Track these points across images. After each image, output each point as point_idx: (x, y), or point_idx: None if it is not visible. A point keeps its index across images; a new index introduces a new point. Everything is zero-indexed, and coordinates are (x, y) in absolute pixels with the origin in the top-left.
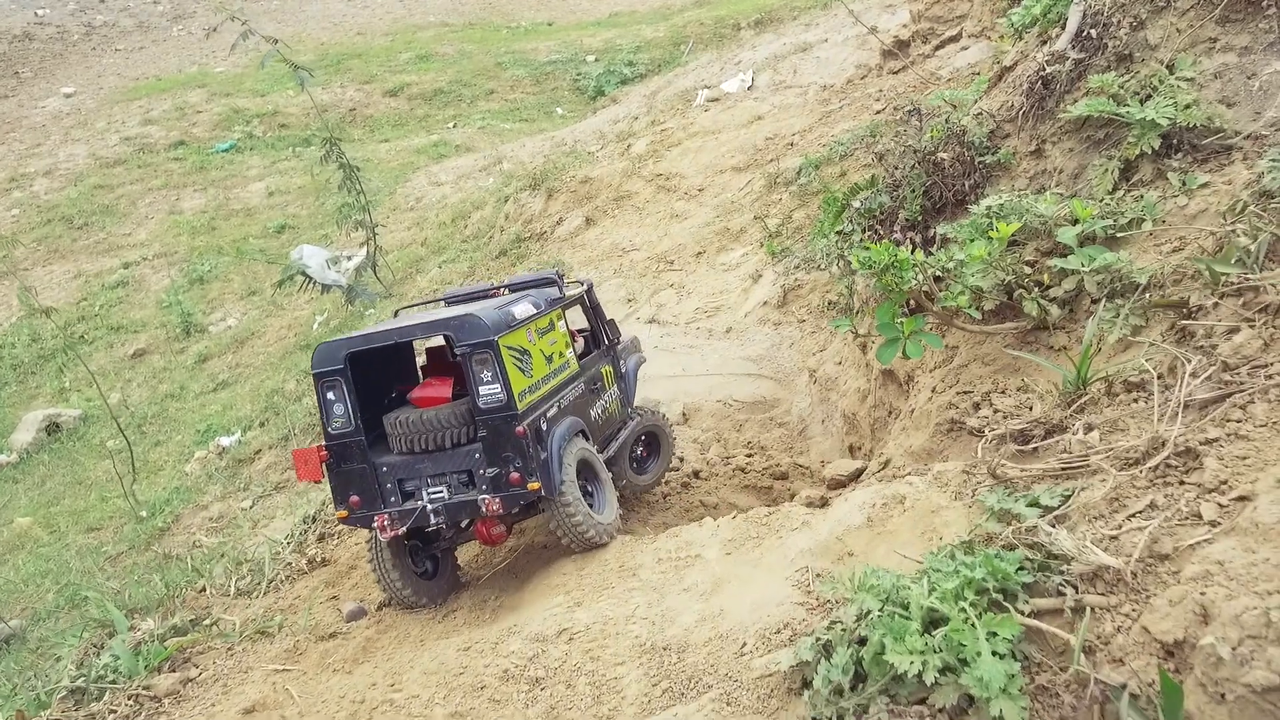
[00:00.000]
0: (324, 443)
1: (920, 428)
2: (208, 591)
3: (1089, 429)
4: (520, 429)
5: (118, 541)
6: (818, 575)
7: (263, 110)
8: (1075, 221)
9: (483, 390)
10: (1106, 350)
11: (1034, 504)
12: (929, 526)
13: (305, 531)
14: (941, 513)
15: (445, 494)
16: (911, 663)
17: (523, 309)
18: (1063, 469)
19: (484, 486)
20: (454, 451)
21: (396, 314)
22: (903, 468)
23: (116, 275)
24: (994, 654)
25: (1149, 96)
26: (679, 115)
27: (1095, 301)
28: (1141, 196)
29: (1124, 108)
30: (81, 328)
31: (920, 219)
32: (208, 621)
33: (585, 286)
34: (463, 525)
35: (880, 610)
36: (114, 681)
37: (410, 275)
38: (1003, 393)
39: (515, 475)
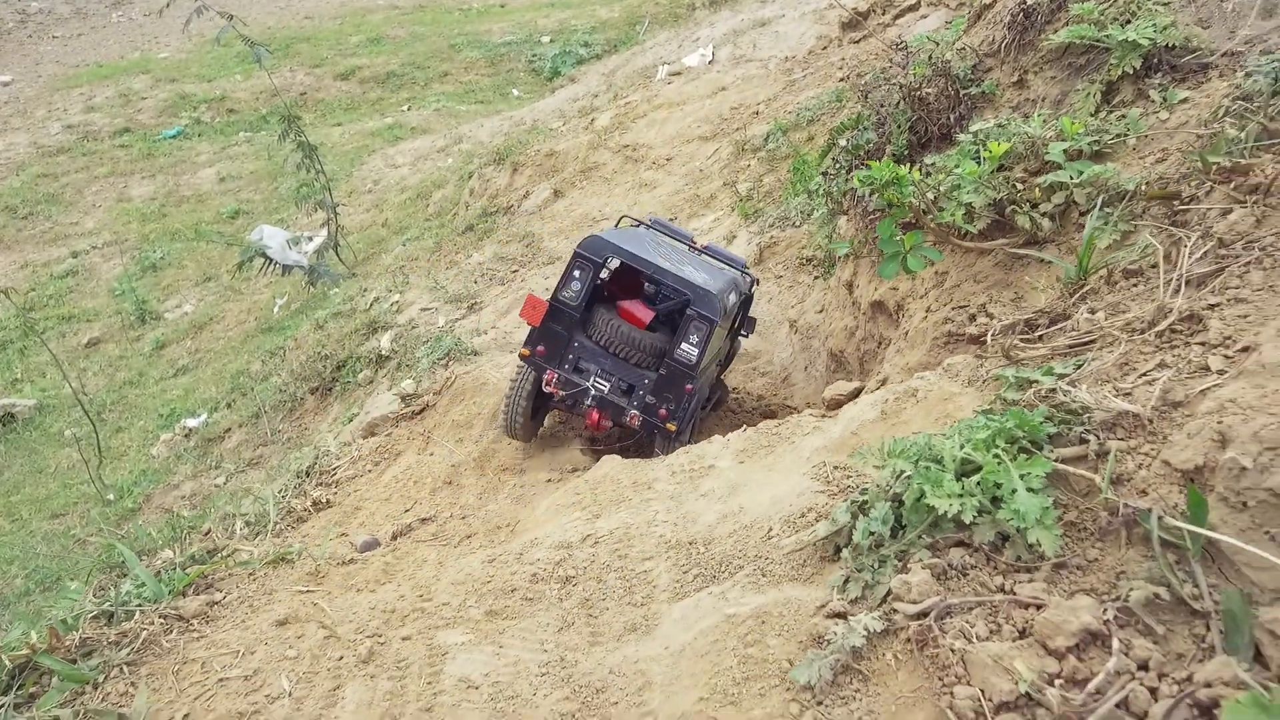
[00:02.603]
0: (551, 300)
1: (916, 346)
2: (213, 534)
3: (1093, 311)
4: (690, 388)
5: (85, 525)
6: (835, 467)
7: (210, 95)
8: (1063, 138)
9: (684, 347)
10: (1099, 255)
11: (1049, 373)
12: (943, 413)
13: (301, 484)
14: (955, 399)
15: (605, 389)
16: (950, 504)
17: (732, 300)
18: (1071, 346)
19: (637, 404)
20: (633, 368)
21: (619, 223)
22: (902, 382)
23: (65, 264)
24: (1029, 490)
25: (1128, 21)
26: (642, 89)
27: (1084, 213)
28: (1124, 115)
29: (1105, 32)
30: (32, 317)
31: (907, 153)
32: (225, 552)
33: (753, 283)
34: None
35: (914, 468)
36: (140, 605)
37: (373, 255)
38: (997, 304)
39: (664, 412)
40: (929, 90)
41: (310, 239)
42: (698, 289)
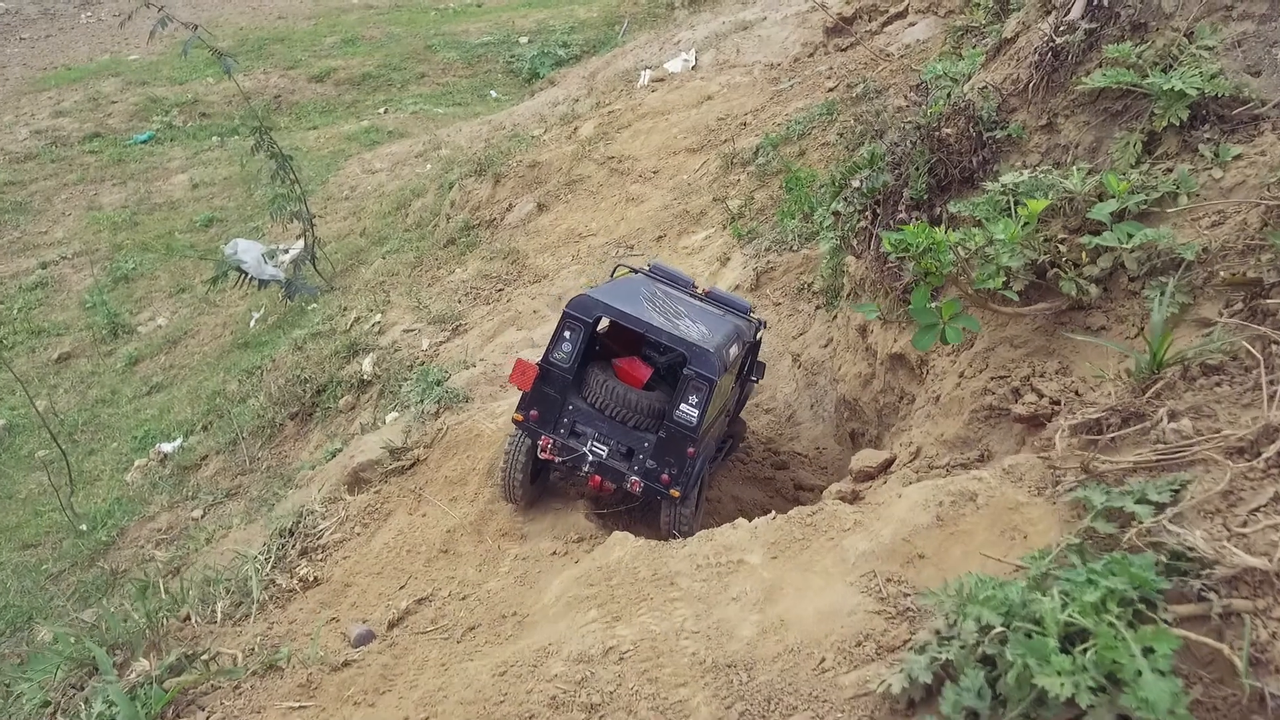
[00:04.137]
0: (541, 363)
1: (951, 415)
2: (193, 620)
3: (1175, 416)
4: (692, 450)
5: (58, 558)
6: (888, 580)
7: (182, 99)
8: (1102, 197)
9: (683, 408)
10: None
11: (1143, 500)
12: (1009, 525)
13: (284, 546)
14: (1021, 510)
15: (604, 454)
16: (1062, 686)
17: (734, 352)
18: (1158, 460)
19: (637, 468)
20: (631, 430)
21: (615, 272)
22: (938, 455)
23: (34, 276)
24: (1155, 671)
25: (1170, 66)
26: (625, 96)
27: (1134, 280)
28: (1171, 169)
29: (1146, 79)
30: None
31: (926, 198)
32: (205, 657)
33: (761, 327)
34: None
35: (1007, 626)
36: None
37: (352, 266)
38: (1042, 376)
39: (666, 477)
40: (948, 130)
41: (286, 251)
42: (694, 346)
